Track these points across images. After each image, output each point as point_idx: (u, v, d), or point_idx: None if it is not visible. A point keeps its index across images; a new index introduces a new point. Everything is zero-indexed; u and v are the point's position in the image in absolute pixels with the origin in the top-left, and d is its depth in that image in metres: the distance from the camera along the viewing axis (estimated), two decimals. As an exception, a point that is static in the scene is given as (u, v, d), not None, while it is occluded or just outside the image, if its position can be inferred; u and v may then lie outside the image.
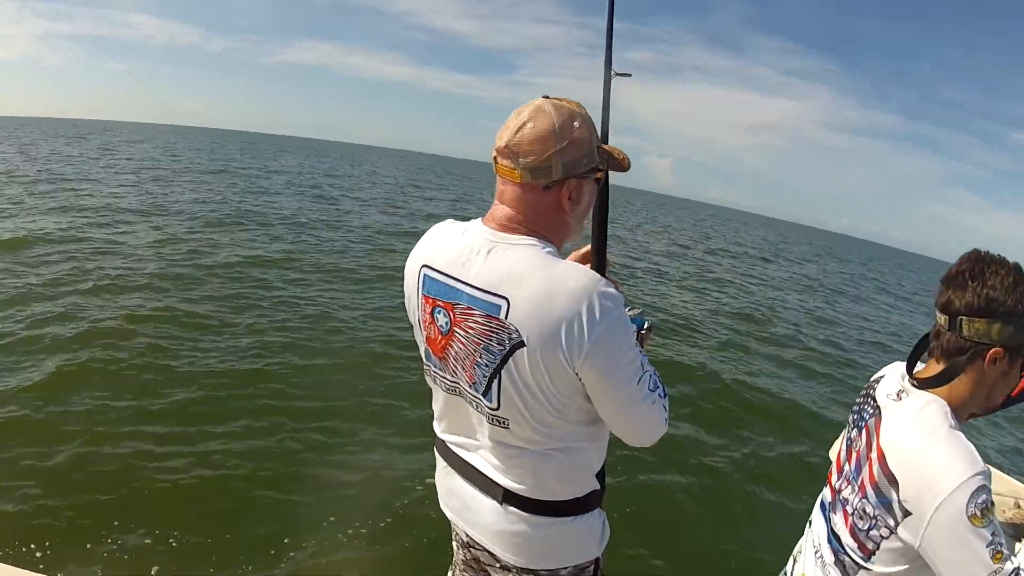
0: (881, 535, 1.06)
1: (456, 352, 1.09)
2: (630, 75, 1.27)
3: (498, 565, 1.24)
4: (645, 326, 1.26)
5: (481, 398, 1.09)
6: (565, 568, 1.21)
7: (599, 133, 1.15)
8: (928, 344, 1.15)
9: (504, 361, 1.02)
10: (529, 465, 1.12)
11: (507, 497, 1.15)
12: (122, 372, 4.44)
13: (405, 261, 1.18)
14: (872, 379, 1.26)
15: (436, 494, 1.35)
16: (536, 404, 1.05)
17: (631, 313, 1.17)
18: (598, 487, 1.19)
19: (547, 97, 1.05)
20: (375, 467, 3.65)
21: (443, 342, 1.11)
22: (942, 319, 1.09)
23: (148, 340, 5.03)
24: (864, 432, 1.17)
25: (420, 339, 1.18)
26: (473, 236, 1.08)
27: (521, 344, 1.00)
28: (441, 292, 1.09)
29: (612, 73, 1.25)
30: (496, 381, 1.05)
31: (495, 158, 1.06)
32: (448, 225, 1.16)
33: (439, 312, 1.10)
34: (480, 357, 1.05)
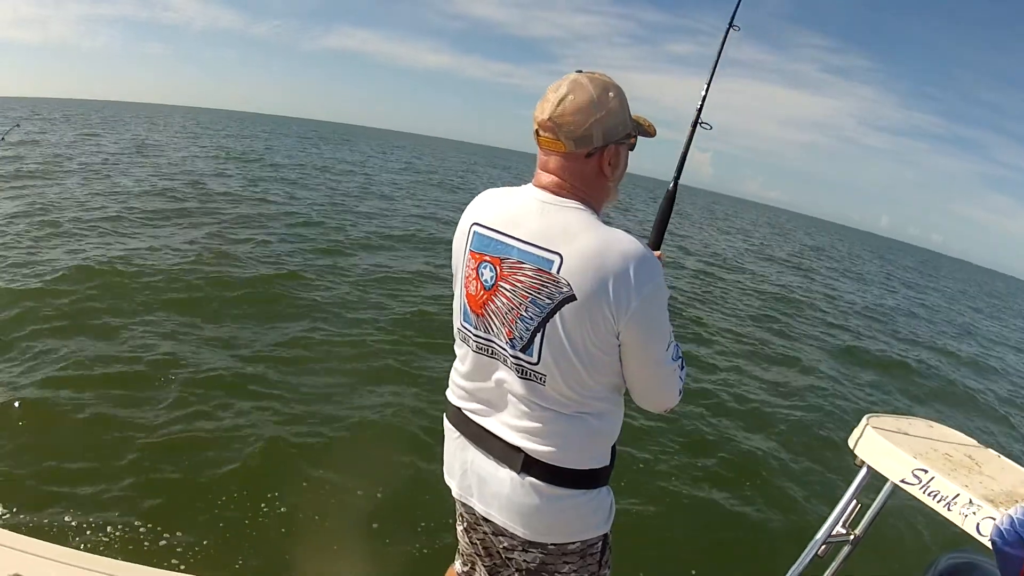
0: None
1: (497, 308, 1.12)
2: (710, 127, 1.66)
3: (505, 544, 1.23)
4: None
5: (520, 354, 1.11)
6: (574, 543, 1.21)
7: (677, 170, 1.64)
8: None
9: (551, 315, 1.07)
10: (559, 428, 1.13)
11: (526, 465, 1.14)
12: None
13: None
14: None
15: (437, 487, 1.31)
16: (576, 359, 1.08)
17: None
18: (610, 461, 1.21)
19: (580, 71, 1.11)
20: (373, 458, 3.47)
21: (484, 298, 1.14)
22: None
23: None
24: None
25: (459, 297, 1.21)
26: (524, 197, 1.14)
27: (571, 298, 1.05)
28: (490, 247, 1.13)
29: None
30: (540, 335, 1.08)
31: (536, 131, 1.12)
32: (499, 189, 1.21)
33: (485, 267, 1.14)
34: (525, 311, 1.09)
